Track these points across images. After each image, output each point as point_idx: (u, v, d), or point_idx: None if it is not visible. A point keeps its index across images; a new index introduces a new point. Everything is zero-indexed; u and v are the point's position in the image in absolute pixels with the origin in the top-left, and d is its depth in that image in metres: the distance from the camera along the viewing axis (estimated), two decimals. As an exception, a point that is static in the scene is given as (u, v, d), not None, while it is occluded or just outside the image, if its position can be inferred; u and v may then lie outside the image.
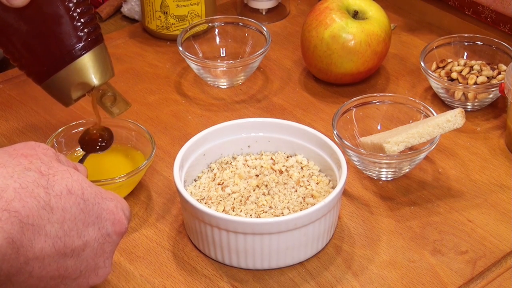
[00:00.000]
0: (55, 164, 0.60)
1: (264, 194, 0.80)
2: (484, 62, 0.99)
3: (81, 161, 0.81)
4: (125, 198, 0.84)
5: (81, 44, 0.76)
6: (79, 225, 0.59)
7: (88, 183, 0.61)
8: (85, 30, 0.76)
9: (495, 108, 0.98)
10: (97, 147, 0.84)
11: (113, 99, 0.82)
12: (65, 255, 0.58)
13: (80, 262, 0.60)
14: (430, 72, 0.96)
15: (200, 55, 1.05)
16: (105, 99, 0.82)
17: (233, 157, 0.86)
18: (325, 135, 0.83)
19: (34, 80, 0.80)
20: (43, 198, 0.56)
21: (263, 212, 0.78)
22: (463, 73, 0.96)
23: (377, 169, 0.86)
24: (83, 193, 0.59)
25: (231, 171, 0.83)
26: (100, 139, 0.84)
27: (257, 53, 1.00)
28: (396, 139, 0.81)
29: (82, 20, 0.76)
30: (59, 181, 0.58)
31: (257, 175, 0.83)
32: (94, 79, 0.78)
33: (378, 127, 0.92)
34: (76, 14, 0.76)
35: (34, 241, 0.55)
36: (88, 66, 0.77)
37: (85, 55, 0.77)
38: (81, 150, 0.85)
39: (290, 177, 0.82)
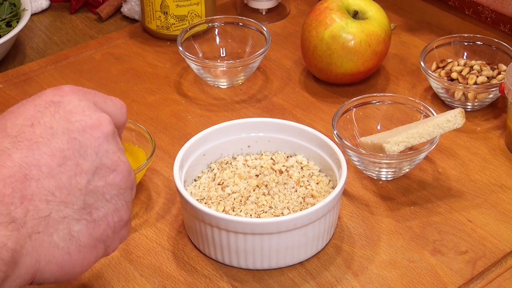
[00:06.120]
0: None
1: (264, 194, 0.80)
2: (484, 62, 0.99)
3: None
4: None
5: None
6: (24, 122, 0.57)
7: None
8: None
9: (495, 108, 0.98)
10: None
11: None
12: (38, 143, 0.56)
13: (63, 135, 0.57)
14: (430, 72, 0.96)
15: (200, 55, 1.05)
16: None
17: (233, 157, 0.86)
18: (325, 135, 0.83)
19: None
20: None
21: (263, 212, 0.78)
22: (463, 73, 0.96)
23: (377, 169, 0.86)
24: (7, 111, 0.59)
25: (231, 171, 0.83)
26: None
27: (257, 53, 1.00)
28: (396, 139, 0.81)
29: None
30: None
31: (257, 175, 0.83)
32: None
33: (378, 127, 0.92)
34: None
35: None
36: None
37: None
38: None
39: (290, 177, 0.82)
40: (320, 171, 0.84)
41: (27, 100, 0.59)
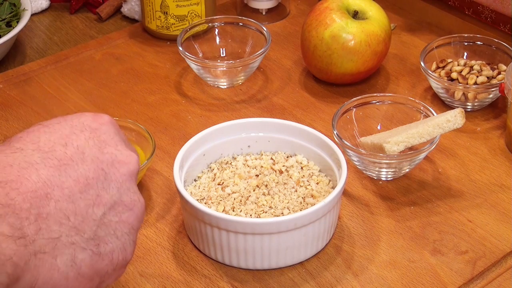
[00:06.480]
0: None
1: (264, 194, 0.80)
2: (484, 62, 0.99)
3: None
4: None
5: None
6: (57, 140, 0.57)
7: (44, 121, 0.60)
8: None
9: (495, 108, 0.98)
10: None
11: None
12: (67, 165, 0.56)
13: (92, 163, 0.58)
14: (430, 72, 0.96)
15: (200, 55, 1.05)
16: None
17: (233, 157, 0.86)
18: (325, 135, 0.83)
19: None
20: (5, 148, 0.56)
21: (263, 212, 0.78)
22: (463, 73, 0.96)
23: (377, 169, 0.86)
24: (42, 124, 0.59)
25: (231, 171, 0.83)
26: None
27: (257, 53, 1.00)
28: (396, 139, 0.81)
29: None
30: (15, 135, 0.58)
31: (257, 175, 0.83)
32: None
33: (378, 127, 0.92)
34: None
35: (24, 174, 0.54)
36: None
37: None
38: None
39: (290, 177, 0.82)
40: (320, 171, 0.84)
41: (65, 118, 0.59)
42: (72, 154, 0.57)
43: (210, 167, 0.85)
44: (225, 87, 1.03)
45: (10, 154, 0.55)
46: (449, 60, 0.99)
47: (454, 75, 0.97)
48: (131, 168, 0.60)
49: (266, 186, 0.81)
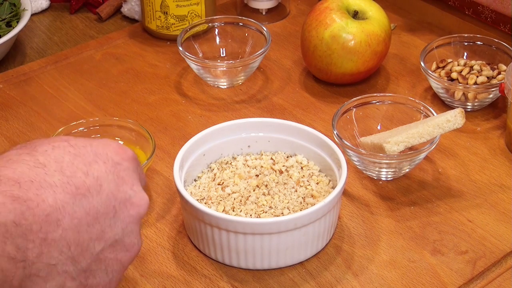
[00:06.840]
0: (42, 139, 0.59)
1: (264, 194, 0.80)
2: (484, 62, 0.99)
3: None
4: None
5: None
6: (80, 166, 0.57)
7: (71, 137, 0.60)
8: None
9: (495, 108, 0.98)
10: None
11: None
12: (83, 195, 0.57)
13: (106, 198, 0.58)
14: (430, 72, 0.96)
15: (200, 55, 1.05)
16: None
17: (233, 157, 0.86)
18: (325, 135, 0.83)
19: None
20: (30, 159, 0.56)
21: (263, 212, 0.78)
22: (463, 73, 0.96)
23: (377, 169, 0.86)
24: (68, 143, 0.58)
25: (231, 171, 0.83)
26: None
27: (257, 53, 1.00)
28: (396, 139, 0.81)
29: None
30: (40, 144, 0.58)
31: (257, 175, 0.83)
32: None
33: (378, 127, 0.92)
34: None
35: (42, 194, 0.54)
36: None
37: None
38: None
39: (290, 177, 0.82)
40: (320, 171, 0.84)
41: (91, 143, 0.60)
42: (90, 184, 0.57)
43: (210, 167, 0.85)
44: (225, 87, 1.03)
45: (33, 168, 0.56)
46: (449, 60, 0.99)
47: (454, 75, 0.97)
48: (140, 211, 0.61)
49: (266, 186, 0.81)
